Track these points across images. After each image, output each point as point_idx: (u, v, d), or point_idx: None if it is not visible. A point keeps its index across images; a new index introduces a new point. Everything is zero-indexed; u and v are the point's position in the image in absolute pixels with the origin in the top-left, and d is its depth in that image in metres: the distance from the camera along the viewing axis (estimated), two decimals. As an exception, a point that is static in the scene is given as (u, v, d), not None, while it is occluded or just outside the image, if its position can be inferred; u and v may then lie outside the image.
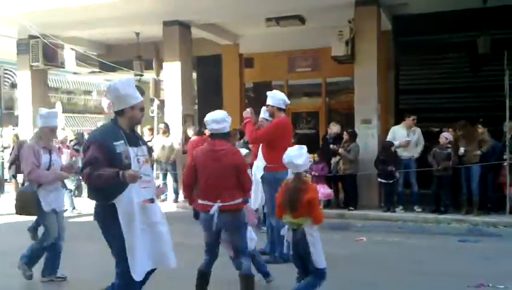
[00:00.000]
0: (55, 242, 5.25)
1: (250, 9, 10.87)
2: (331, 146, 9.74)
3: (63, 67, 12.99)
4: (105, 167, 3.48)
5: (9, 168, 12.34)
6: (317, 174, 9.66)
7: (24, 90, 12.65)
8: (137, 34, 12.94)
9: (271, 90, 6.27)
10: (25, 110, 12.72)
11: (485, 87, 10.91)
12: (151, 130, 11.51)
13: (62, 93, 24.76)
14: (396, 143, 9.36)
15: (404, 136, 9.45)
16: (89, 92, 26.58)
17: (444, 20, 10.95)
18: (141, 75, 13.16)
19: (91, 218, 3.83)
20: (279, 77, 13.47)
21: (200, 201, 4.27)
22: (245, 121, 6.04)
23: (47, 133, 5.20)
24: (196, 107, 14.34)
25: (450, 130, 9.30)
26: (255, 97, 14.70)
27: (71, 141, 12.18)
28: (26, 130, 12.50)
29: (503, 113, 8.99)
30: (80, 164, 11.55)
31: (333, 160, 9.64)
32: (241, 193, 4.24)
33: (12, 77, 18.39)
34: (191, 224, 5.05)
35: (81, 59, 14.79)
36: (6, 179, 13.30)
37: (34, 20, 11.02)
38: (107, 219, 3.58)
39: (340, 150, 9.54)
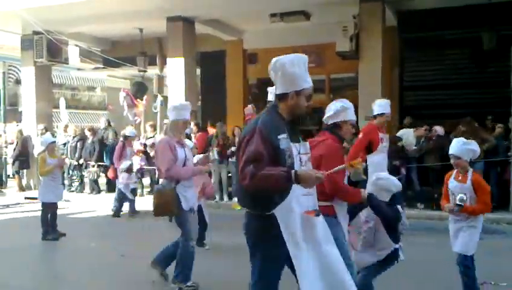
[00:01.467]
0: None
1: (254, 5, 10.83)
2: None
3: (67, 63, 13.00)
4: (269, 166, 2.70)
5: (13, 163, 12.39)
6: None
7: (28, 86, 12.66)
8: (141, 30, 12.92)
9: (272, 86, 6.24)
10: (28, 106, 12.72)
11: (490, 84, 10.83)
12: (153, 126, 11.49)
13: (66, 89, 24.81)
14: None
15: (412, 145, 9.43)
16: (93, 88, 26.62)
17: (449, 16, 10.86)
18: (144, 71, 13.16)
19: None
20: (283, 73, 13.38)
21: None
22: (246, 118, 6.01)
23: (180, 127, 4.82)
24: (199, 103, 14.32)
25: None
26: (259, 93, 14.68)
27: (74, 137, 12.18)
28: (30, 126, 12.53)
29: (509, 110, 8.92)
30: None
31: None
32: None
33: (16, 73, 18.42)
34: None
35: (85, 55, 14.80)
36: (9, 175, 13.35)
37: (38, 16, 11.02)
38: (265, 233, 2.80)
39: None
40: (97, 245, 6.94)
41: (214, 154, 5.52)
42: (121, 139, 9.65)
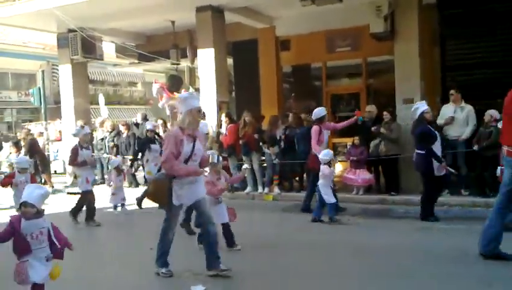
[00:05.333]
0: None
1: (284, -10, 10.52)
2: (373, 128, 9.27)
3: (102, 59, 13.18)
4: None
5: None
6: (355, 158, 9.26)
7: (65, 83, 12.95)
8: (173, 22, 12.89)
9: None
10: (67, 103, 13.02)
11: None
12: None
13: (108, 86, 25.43)
14: (441, 121, 8.78)
15: (451, 113, 8.81)
16: (134, 84, 27.15)
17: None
18: (178, 64, 13.13)
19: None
20: (318, 58, 13.00)
21: None
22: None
23: (195, 115, 4.68)
24: (233, 93, 14.17)
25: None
26: (293, 81, 14.37)
27: (111, 132, 12.34)
28: (69, 123, 12.82)
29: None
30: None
31: (373, 143, 9.17)
32: None
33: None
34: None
35: (120, 51, 14.97)
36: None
37: (71, 13, 11.20)
38: None
39: (382, 130, 9.08)
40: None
41: (214, 158, 5.37)
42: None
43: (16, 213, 3.79)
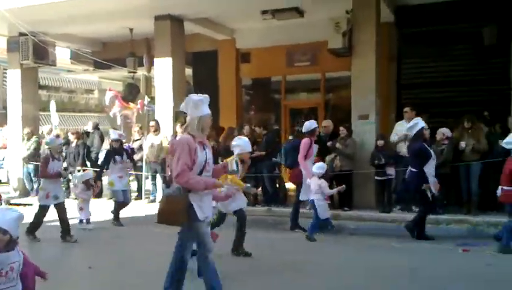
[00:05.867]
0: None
1: (245, 2, 10.44)
2: (328, 143, 9.27)
3: (54, 65, 12.65)
4: None
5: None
6: (312, 173, 9.20)
7: (14, 88, 12.33)
8: (131, 30, 12.59)
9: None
10: (14, 109, 12.39)
11: (491, 80, 10.38)
12: (141, 128, 11.13)
13: (63, 92, 24.56)
14: (395, 138, 8.88)
15: (405, 130, 8.91)
16: (90, 91, 26.36)
17: (449, 10, 10.40)
18: (134, 72, 12.81)
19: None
20: (277, 72, 13.02)
21: None
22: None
23: (208, 122, 4.21)
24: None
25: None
26: (253, 93, 14.30)
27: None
28: (15, 130, 12.19)
29: (509, 108, 8.46)
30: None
31: (328, 157, 9.16)
32: None
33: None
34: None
35: (75, 57, 14.48)
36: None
37: (23, 17, 10.69)
38: None
39: (337, 145, 9.09)
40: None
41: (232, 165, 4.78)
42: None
43: None
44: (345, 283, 5.08)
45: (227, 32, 12.90)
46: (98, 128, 12.02)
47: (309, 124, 7.83)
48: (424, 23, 10.79)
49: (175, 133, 10.53)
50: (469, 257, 6.16)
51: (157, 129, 10.47)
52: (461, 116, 8.78)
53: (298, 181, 7.66)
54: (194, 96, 4.21)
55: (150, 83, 11.97)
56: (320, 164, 7.46)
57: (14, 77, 12.29)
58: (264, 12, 10.92)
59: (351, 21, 9.41)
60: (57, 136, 8.58)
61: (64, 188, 11.28)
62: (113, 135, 8.93)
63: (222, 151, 9.77)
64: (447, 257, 6.12)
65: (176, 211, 4.03)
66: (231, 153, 9.70)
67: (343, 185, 7.67)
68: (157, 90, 11.15)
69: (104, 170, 9.00)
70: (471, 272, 5.38)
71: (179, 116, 10.92)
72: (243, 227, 6.15)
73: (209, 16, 11.70)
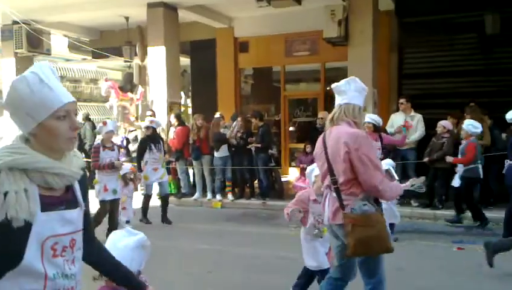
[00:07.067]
0: None
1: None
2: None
3: (49, 54, 12.48)
4: None
5: None
6: (305, 166, 8.93)
7: (8, 77, 12.20)
8: (127, 18, 12.35)
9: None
10: (9, 99, 12.27)
11: (495, 71, 9.97)
12: (136, 119, 10.95)
13: (68, 82, 24.48)
14: (392, 130, 8.59)
15: (401, 122, 8.63)
16: (95, 81, 26.26)
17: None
18: (130, 62, 12.61)
19: None
20: (276, 61, 12.70)
21: None
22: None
23: (361, 114, 3.52)
24: (190, 93, 13.72)
25: (449, 117, 8.43)
26: (252, 83, 14.02)
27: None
28: (10, 119, 12.08)
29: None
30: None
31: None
32: None
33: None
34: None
35: (73, 46, 14.31)
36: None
37: (17, 4, 10.53)
38: None
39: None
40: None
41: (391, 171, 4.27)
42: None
43: None
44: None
45: (225, 20, 12.60)
46: (89, 119, 11.84)
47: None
48: (425, 12, 10.39)
49: (169, 124, 10.34)
50: (462, 255, 5.89)
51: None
52: (464, 107, 8.46)
53: None
54: (358, 84, 3.40)
55: (144, 72, 11.75)
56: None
57: (8, 66, 12.16)
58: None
59: (346, 9, 9.07)
60: (104, 122, 7.43)
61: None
62: (110, 126, 7.60)
63: (213, 143, 9.57)
64: (437, 255, 5.86)
65: (383, 236, 3.07)
66: (221, 142, 9.54)
67: None
68: (151, 80, 10.92)
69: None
70: (461, 271, 5.12)
71: (172, 107, 10.73)
72: None
73: (205, 3, 11.39)
